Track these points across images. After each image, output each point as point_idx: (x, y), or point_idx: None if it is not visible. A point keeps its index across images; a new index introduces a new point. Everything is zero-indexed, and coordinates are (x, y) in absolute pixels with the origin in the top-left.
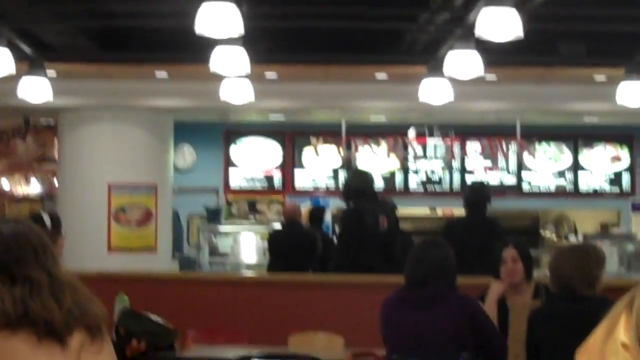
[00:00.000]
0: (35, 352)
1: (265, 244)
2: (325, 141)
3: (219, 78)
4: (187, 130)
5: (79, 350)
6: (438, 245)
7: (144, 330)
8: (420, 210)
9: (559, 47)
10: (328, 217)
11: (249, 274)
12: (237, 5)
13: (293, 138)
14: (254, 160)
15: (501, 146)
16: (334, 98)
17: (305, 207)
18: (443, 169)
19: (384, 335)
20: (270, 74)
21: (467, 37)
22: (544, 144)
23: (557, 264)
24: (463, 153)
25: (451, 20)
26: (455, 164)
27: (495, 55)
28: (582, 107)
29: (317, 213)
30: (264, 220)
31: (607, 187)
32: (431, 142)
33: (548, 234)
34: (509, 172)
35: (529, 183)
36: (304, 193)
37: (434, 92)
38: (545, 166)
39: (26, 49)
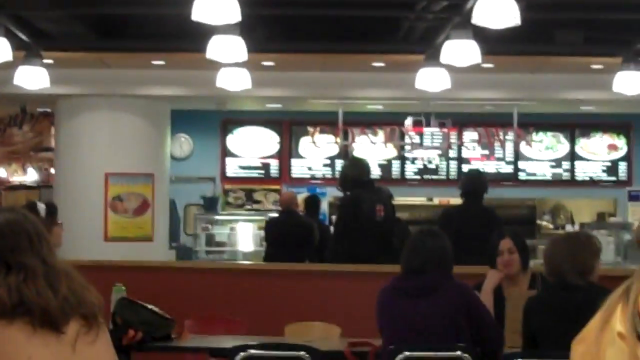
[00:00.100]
0: (31, 341)
1: (262, 233)
2: (322, 130)
3: (216, 66)
4: (184, 119)
5: (75, 339)
6: (435, 234)
7: (141, 320)
8: (417, 199)
9: (556, 35)
10: (325, 206)
11: (245, 263)
12: None
13: (290, 127)
14: (251, 149)
15: (498, 135)
16: (331, 87)
17: (301, 196)
18: (440, 157)
19: (381, 324)
20: (268, 62)
21: (465, 25)
22: (540, 133)
23: (549, 253)
24: (460, 142)
25: (448, 8)
26: (452, 152)
27: (493, 43)
28: (579, 95)
29: (313, 202)
30: (260, 209)
31: (604, 176)
32: (428, 131)
33: (545, 223)
34: (505, 161)
35: (526, 172)
36: (301, 182)
37: (431, 80)
38: (542, 155)
39: (23, 36)
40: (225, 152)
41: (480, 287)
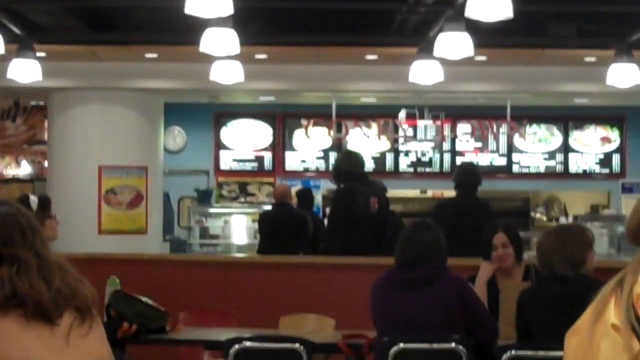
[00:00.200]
0: (25, 333)
1: (256, 226)
2: (316, 123)
3: (209, 59)
4: (177, 112)
5: (69, 331)
6: (428, 226)
7: (135, 313)
8: (410, 191)
9: (549, 28)
10: (318, 199)
11: (239, 255)
12: None
13: (283, 120)
14: (245, 142)
15: (491, 128)
16: (325, 79)
17: (294, 189)
18: (433, 150)
19: (375, 316)
20: (261, 55)
21: (457, 18)
22: (534, 125)
23: (541, 245)
24: (453, 134)
25: (441, 1)
26: (446, 145)
27: (486, 36)
28: (573, 88)
29: (305, 194)
30: (254, 202)
31: (597, 168)
32: (421, 123)
33: (538, 215)
34: (499, 153)
35: (519, 164)
36: (294, 174)
37: (424, 73)
38: (536, 147)
39: (16, 29)
40: (219, 145)
41: (474, 279)
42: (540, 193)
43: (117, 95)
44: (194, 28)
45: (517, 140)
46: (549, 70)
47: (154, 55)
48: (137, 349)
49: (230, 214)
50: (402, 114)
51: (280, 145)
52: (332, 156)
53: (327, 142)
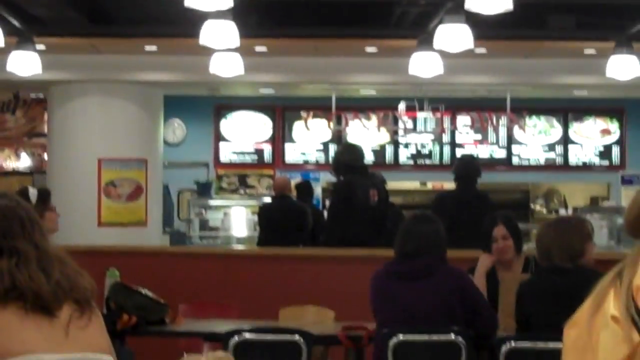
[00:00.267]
0: (24, 325)
1: (256, 218)
2: (316, 115)
3: (208, 52)
4: (177, 105)
5: (68, 323)
6: (428, 219)
7: (135, 305)
8: (410, 183)
9: (548, 20)
10: (318, 191)
11: (239, 248)
12: None
13: (283, 112)
14: (244, 134)
15: (491, 120)
16: (324, 72)
17: (294, 181)
18: (433, 142)
19: (374, 308)
20: (260, 48)
21: (457, 10)
22: (534, 117)
23: (540, 237)
24: (453, 127)
25: None
26: (446, 137)
27: (485, 28)
28: (572, 80)
29: (305, 187)
30: (254, 194)
31: (597, 160)
32: (421, 115)
33: (538, 207)
34: (499, 145)
35: (519, 156)
36: (294, 167)
37: (424, 65)
38: (535, 140)
39: (15, 22)
40: (219, 138)
41: (473, 271)
42: (540, 185)
43: (116, 88)
44: (193, 21)
45: (517, 132)
46: (549, 63)
47: (154, 48)
48: (136, 341)
49: (229, 206)
50: (401, 106)
51: (280, 137)
52: (332, 148)
53: (327, 135)
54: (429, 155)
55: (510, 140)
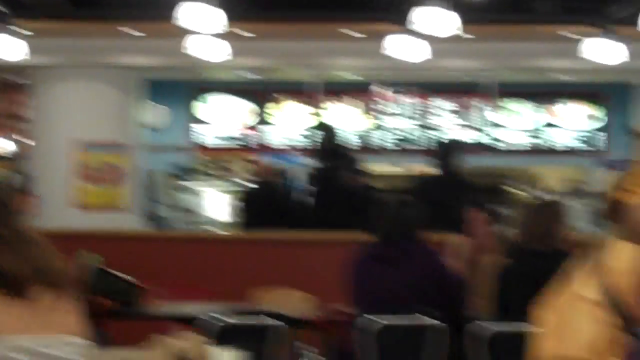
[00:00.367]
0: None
1: (236, 202)
2: (298, 99)
3: (190, 35)
4: (158, 89)
5: (44, 306)
6: (408, 203)
7: (112, 288)
8: (391, 168)
9: (533, 4)
10: (300, 175)
11: (219, 231)
12: None
13: (265, 96)
14: (226, 118)
15: (474, 104)
16: (307, 56)
17: (276, 166)
18: (416, 127)
19: (353, 291)
20: (242, 32)
21: None
22: (516, 101)
23: (519, 221)
24: (436, 111)
25: None
26: (428, 121)
27: (470, 12)
28: (557, 65)
29: (286, 172)
30: (235, 178)
31: (578, 145)
32: (404, 99)
33: (520, 192)
34: (481, 130)
35: (502, 141)
36: (275, 151)
37: (407, 49)
38: (518, 124)
39: None
40: (200, 121)
41: (452, 254)
42: (521, 169)
43: (98, 72)
44: (175, 4)
45: (500, 116)
46: (532, 47)
47: (136, 32)
48: (113, 324)
49: (209, 190)
50: (384, 91)
51: (262, 121)
52: (314, 133)
53: (309, 119)
54: (411, 140)
55: (492, 124)
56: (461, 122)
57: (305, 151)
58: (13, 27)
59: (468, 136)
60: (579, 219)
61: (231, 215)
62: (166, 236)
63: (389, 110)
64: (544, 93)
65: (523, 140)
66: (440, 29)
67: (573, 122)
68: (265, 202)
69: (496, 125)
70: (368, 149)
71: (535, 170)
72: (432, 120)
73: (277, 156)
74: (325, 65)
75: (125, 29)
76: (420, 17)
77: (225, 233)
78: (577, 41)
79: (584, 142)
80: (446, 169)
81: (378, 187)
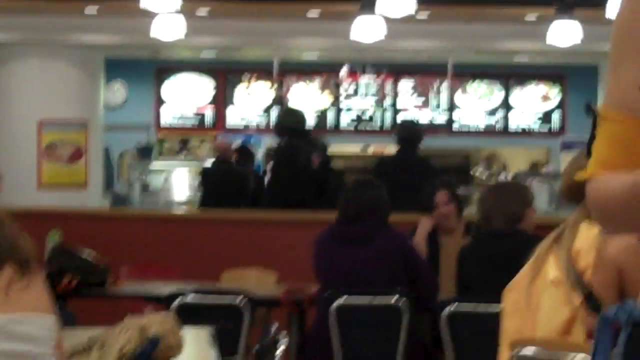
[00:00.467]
0: None
1: (197, 181)
2: (258, 78)
3: (150, 14)
4: (118, 67)
5: (8, 285)
6: (371, 183)
7: (76, 267)
8: (351, 148)
9: None
10: (260, 155)
11: (181, 210)
12: None
13: (225, 75)
14: (186, 97)
15: (433, 85)
16: (266, 35)
17: (235, 145)
18: (375, 107)
19: (317, 271)
20: (202, 10)
21: None
22: (475, 82)
23: (480, 201)
24: (395, 91)
25: None
26: (387, 102)
27: None
28: (514, 46)
29: (244, 151)
30: (195, 157)
31: (537, 126)
32: (363, 80)
33: (479, 172)
34: (440, 110)
35: (460, 122)
36: (235, 131)
37: (366, 29)
38: (476, 105)
39: None
40: (160, 100)
41: (414, 234)
42: (481, 150)
43: (57, 50)
44: None
45: (458, 97)
46: (491, 28)
47: (94, 10)
48: (78, 304)
49: (171, 169)
50: (343, 71)
51: (222, 101)
52: (274, 112)
53: (269, 98)
54: (371, 120)
55: (452, 105)
56: (420, 102)
57: (264, 130)
58: None
59: (427, 116)
60: (540, 200)
61: (191, 194)
62: (126, 215)
63: (348, 90)
64: (502, 74)
65: (481, 121)
66: (399, 9)
67: (530, 103)
68: (223, 181)
69: (454, 106)
70: (327, 128)
71: (493, 151)
72: (392, 100)
73: (236, 135)
74: (284, 44)
75: (83, 7)
76: None
77: (186, 211)
78: (534, 22)
79: (541, 122)
80: (405, 149)
81: (338, 167)
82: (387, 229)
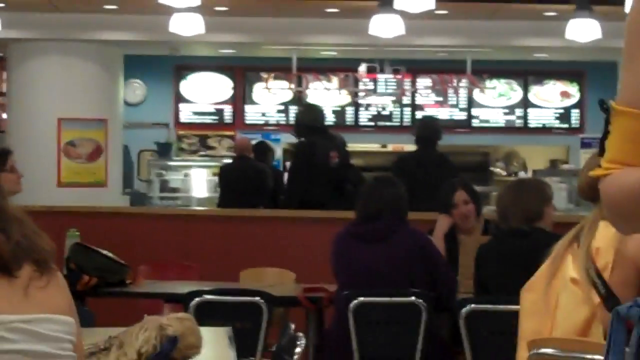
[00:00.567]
0: None
1: (216, 179)
2: (276, 76)
3: (169, 11)
4: (137, 65)
5: (27, 283)
6: (390, 181)
7: (95, 266)
8: (370, 145)
9: None
10: (279, 152)
11: (199, 208)
12: None
13: (244, 73)
14: (205, 94)
15: (452, 82)
16: (285, 32)
17: (253, 142)
18: (394, 104)
19: (335, 269)
20: (221, 7)
21: None
22: (494, 80)
23: (498, 199)
24: (414, 89)
25: None
26: (406, 99)
27: None
28: (533, 43)
29: (261, 148)
30: (214, 155)
31: (556, 123)
32: (382, 77)
33: (498, 169)
34: (459, 108)
35: (479, 119)
36: (254, 128)
37: (385, 26)
38: (496, 102)
39: None
40: (179, 98)
41: (432, 233)
42: (500, 148)
43: (76, 47)
44: None
45: (477, 94)
46: (510, 25)
47: (114, 7)
48: (96, 302)
49: (190, 167)
50: (362, 68)
51: (241, 98)
52: (293, 110)
53: (288, 96)
54: (390, 117)
55: (471, 102)
56: (439, 99)
57: (282, 127)
58: None
59: (446, 114)
60: (559, 197)
61: (210, 192)
62: (145, 213)
63: (366, 87)
64: (521, 71)
65: (500, 119)
66: (417, 5)
67: (550, 100)
68: (242, 178)
69: (474, 103)
70: (346, 126)
71: (512, 149)
72: (410, 98)
73: (255, 132)
74: (302, 41)
75: (103, 4)
76: None
77: (205, 209)
78: (553, 19)
79: (561, 120)
80: (424, 146)
81: (357, 165)
82: (406, 226)
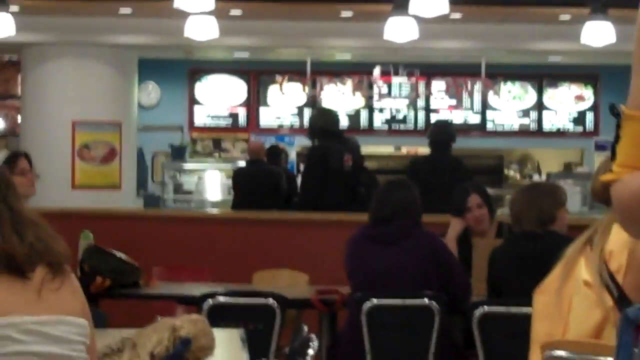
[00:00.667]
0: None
1: (230, 182)
2: (290, 79)
3: (183, 14)
4: (151, 68)
5: (41, 285)
6: (404, 184)
7: (109, 268)
8: (384, 148)
9: None
10: (293, 156)
11: (213, 211)
12: None
13: (258, 76)
14: (219, 97)
15: (466, 85)
16: (299, 36)
17: (267, 145)
18: (408, 107)
19: (349, 272)
20: (235, 11)
21: None
22: (508, 83)
23: (512, 202)
24: (428, 92)
25: None
26: (420, 102)
27: None
28: (547, 46)
29: (274, 151)
30: (228, 158)
31: (571, 126)
32: (396, 80)
33: (512, 173)
34: (473, 111)
35: (493, 122)
36: (268, 131)
37: (399, 30)
38: (510, 105)
39: None
40: (193, 101)
41: (445, 236)
42: (514, 151)
43: (91, 51)
44: None
45: (492, 97)
46: (524, 28)
47: (128, 11)
48: (110, 304)
49: (204, 169)
50: (376, 71)
51: (255, 101)
52: (307, 113)
53: (302, 99)
54: (404, 120)
55: (485, 105)
56: (453, 102)
57: (297, 131)
58: (4, 5)
59: (460, 117)
60: (573, 200)
61: (224, 195)
62: (159, 215)
63: (381, 90)
64: (535, 74)
65: (514, 122)
66: (432, 9)
67: (564, 104)
68: (256, 181)
69: (488, 106)
70: (360, 129)
71: (526, 152)
72: (424, 101)
73: (269, 136)
74: (317, 45)
75: (117, 7)
76: None
77: (219, 212)
78: (568, 22)
79: (575, 123)
80: (438, 149)
81: (371, 168)
82: (419, 229)
